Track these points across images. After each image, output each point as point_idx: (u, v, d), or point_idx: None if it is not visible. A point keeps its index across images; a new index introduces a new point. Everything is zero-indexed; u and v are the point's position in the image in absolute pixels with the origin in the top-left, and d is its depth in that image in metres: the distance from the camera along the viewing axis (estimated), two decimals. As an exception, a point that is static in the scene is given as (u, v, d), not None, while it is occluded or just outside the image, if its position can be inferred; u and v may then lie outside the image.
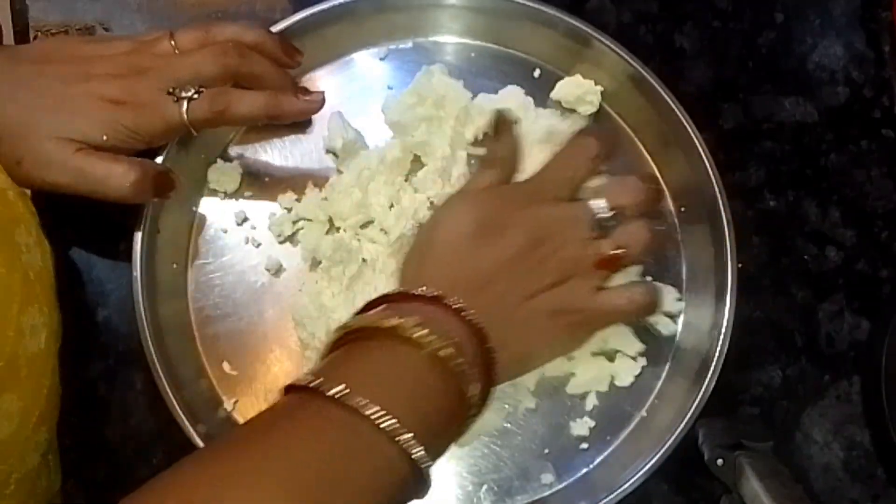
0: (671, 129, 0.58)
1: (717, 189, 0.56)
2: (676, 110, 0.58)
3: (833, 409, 0.59)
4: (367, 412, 0.38)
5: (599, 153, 0.51)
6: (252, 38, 0.55)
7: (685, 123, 0.57)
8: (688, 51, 0.64)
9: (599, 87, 0.60)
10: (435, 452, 0.41)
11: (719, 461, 0.54)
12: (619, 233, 0.50)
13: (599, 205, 0.50)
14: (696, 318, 0.57)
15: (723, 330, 0.54)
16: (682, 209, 0.59)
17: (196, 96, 0.51)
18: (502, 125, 0.53)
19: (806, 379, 0.59)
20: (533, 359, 0.51)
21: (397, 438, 0.39)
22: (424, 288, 0.45)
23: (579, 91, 0.60)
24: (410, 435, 0.39)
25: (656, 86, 0.58)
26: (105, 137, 0.50)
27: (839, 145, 0.63)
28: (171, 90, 0.51)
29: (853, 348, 0.59)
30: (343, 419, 0.39)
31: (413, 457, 0.39)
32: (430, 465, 0.40)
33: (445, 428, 0.43)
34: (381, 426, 0.38)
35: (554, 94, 0.61)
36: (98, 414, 0.56)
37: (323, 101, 0.57)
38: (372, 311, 0.45)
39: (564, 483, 0.55)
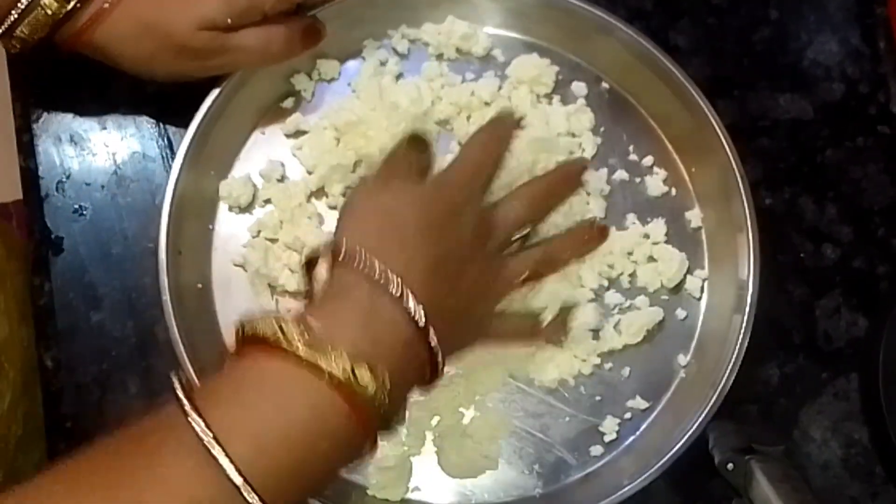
0: (691, 117, 0.58)
1: (743, 197, 0.56)
2: (699, 98, 0.58)
3: (831, 407, 0.58)
4: (221, 461, 0.35)
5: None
6: None
7: (707, 111, 0.57)
8: (682, 48, 0.63)
9: (555, 68, 0.60)
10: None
11: (730, 465, 0.54)
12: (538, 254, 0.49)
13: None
14: (719, 303, 0.57)
15: (743, 324, 0.54)
16: (702, 217, 0.60)
17: None
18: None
19: (804, 376, 0.59)
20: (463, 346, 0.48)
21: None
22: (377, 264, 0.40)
23: (535, 71, 0.60)
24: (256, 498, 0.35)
25: (676, 72, 0.58)
26: (230, 21, 0.52)
27: (835, 142, 0.63)
28: None
29: (851, 345, 0.59)
30: (203, 473, 0.35)
31: None
32: None
33: (313, 478, 0.39)
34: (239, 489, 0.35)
35: (510, 71, 0.61)
36: (92, 418, 0.55)
37: None
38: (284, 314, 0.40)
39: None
